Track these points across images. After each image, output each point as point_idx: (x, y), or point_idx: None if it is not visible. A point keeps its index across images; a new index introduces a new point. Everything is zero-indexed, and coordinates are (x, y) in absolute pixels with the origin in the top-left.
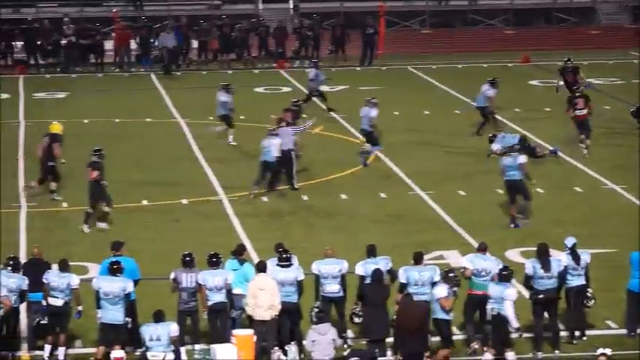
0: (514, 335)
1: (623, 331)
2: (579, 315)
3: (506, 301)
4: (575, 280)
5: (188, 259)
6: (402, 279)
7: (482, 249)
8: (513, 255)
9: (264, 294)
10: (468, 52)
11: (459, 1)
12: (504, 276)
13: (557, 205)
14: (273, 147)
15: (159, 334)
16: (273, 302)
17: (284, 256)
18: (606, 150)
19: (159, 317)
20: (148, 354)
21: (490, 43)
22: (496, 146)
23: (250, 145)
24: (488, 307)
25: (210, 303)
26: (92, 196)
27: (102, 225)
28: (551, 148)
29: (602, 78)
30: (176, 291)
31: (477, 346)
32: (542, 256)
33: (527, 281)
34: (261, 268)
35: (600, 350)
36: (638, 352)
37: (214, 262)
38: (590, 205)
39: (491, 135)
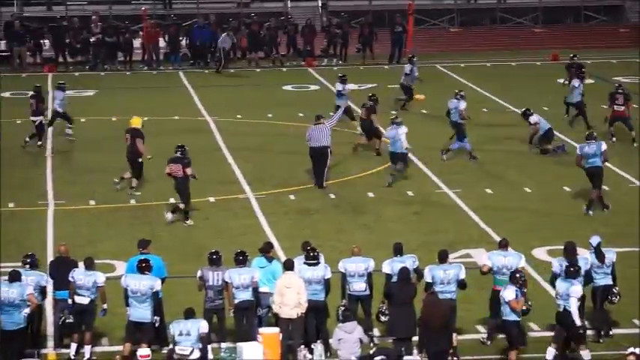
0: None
1: None
2: (604, 314)
3: (572, 297)
4: (602, 280)
5: (215, 257)
6: (427, 278)
7: (503, 245)
8: (540, 253)
9: (290, 292)
10: (496, 50)
11: (488, 0)
12: (571, 272)
13: (584, 203)
14: (401, 136)
15: (188, 329)
16: (299, 300)
17: (311, 254)
18: (634, 148)
19: (189, 314)
20: (177, 347)
21: (519, 42)
22: (535, 118)
23: (278, 142)
24: (557, 302)
25: (236, 301)
26: (181, 191)
27: (169, 216)
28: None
29: (631, 76)
30: (202, 289)
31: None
32: (570, 254)
33: (554, 280)
34: (288, 266)
35: (630, 349)
36: None
37: (241, 260)
38: (617, 204)
39: (527, 109)
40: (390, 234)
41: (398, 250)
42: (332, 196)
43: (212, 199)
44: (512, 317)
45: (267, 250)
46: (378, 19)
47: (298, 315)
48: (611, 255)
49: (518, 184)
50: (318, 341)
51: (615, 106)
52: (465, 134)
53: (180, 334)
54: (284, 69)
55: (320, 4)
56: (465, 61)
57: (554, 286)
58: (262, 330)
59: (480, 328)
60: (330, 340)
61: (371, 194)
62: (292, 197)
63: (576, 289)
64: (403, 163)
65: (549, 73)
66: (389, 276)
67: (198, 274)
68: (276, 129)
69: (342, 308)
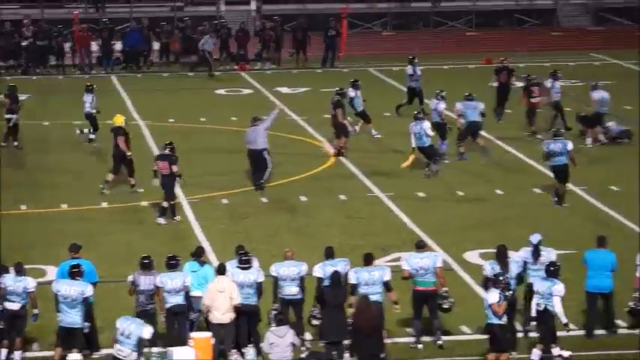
0: (562, 331)
1: (582, 333)
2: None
3: (555, 296)
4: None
5: (146, 261)
6: (352, 280)
7: (419, 246)
8: (472, 256)
9: (222, 296)
10: (430, 54)
11: (422, 3)
12: (552, 271)
13: (516, 206)
14: (427, 130)
15: (131, 331)
16: (232, 304)
17: (244, 258)
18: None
19: (140, 317)
20: (116, 346)
21: (452, 45)
22: (460, 106)
23: (211, 146)
24: (534, 302)
25: (168, 305)
26: (168, 189)
27: (160, 220)
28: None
29: (563, 80)
30: (134, 294)
31: None
32: (501, 257)
33: (486, 283)
34: (220, 270)
35: (557, 351)
36: (596, 353)
37: (172, 264)
38: (549, 206)
39: (469, 94)
40: (322, 238)
41: (329, 254)
42: (264, 199)
43: (144, 203)
44: (495, 320)
45: (199, 254)
46: (311, 22)
47: (230, 319)
48: (551, 255)
49: (451, 186)
50: (250, 345)
51: (532, 99)
52: (446, 136)
53: (122, 334)
54: (217, 73)
55: (254, 8)
56: (397, 64)
57: (486, 289)
58: (194, 334)
59: (411, 330)
60: (262, 344)
61: (304, 198)
62: (225, 201)
63: (558, 287)
64: (435, 156)
65: (482, 76)
66: (320, 280)
67: (130, 278)
68: (209, 133)
69: (275, 312)
